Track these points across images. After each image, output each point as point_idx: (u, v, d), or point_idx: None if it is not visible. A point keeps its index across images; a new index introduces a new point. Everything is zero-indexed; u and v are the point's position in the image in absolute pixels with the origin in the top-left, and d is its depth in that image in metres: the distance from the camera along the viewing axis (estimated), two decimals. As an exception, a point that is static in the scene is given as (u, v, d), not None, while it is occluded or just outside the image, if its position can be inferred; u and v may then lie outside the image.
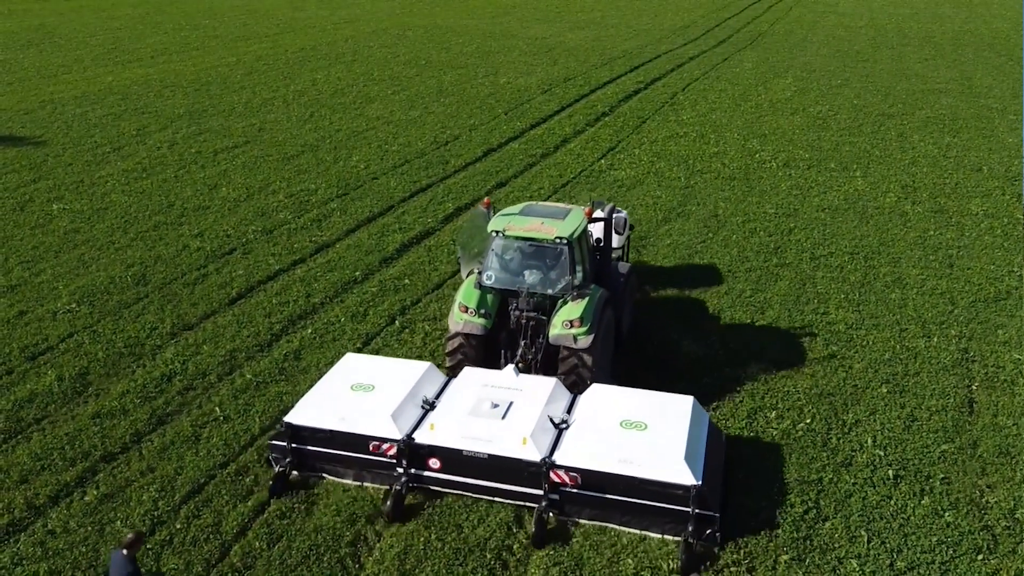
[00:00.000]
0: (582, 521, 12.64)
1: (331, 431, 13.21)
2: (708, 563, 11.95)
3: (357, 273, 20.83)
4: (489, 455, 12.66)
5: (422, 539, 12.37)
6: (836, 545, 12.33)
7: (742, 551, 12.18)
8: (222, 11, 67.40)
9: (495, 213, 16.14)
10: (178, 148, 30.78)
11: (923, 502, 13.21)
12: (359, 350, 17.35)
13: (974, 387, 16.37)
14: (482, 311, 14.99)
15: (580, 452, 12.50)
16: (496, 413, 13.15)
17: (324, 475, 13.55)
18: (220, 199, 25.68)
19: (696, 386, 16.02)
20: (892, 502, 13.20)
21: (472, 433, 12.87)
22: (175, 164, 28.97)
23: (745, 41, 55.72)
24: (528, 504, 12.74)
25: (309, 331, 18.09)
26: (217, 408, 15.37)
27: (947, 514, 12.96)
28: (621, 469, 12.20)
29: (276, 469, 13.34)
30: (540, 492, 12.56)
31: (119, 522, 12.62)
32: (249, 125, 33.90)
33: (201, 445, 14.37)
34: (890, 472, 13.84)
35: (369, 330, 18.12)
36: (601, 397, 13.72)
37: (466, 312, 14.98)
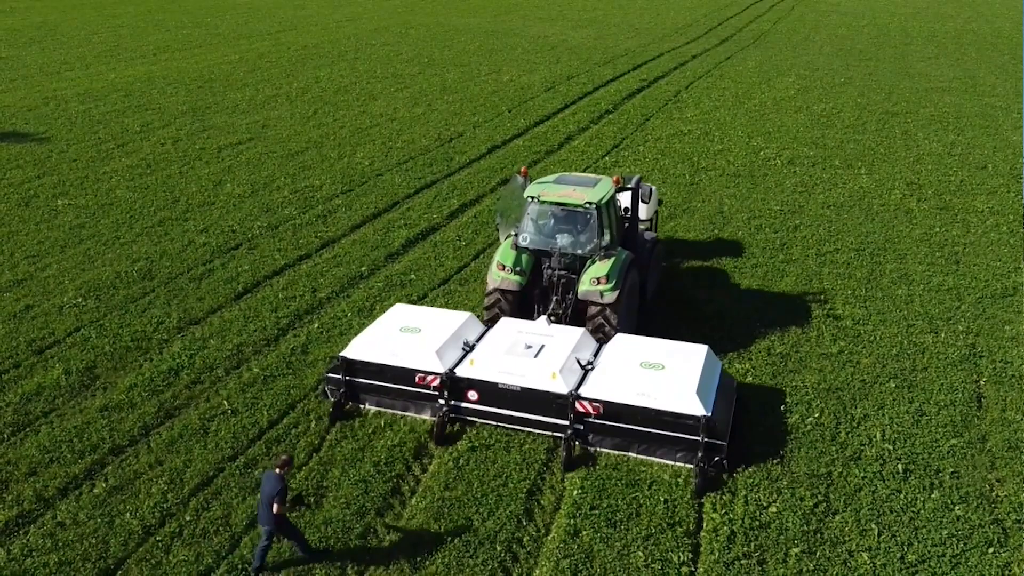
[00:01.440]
0: (605, 451, 13.90)
1: (382, 365, 14.78)
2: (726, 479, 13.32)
3: (363, 268, 20.82)
4: (522, 388, 14.14)
5: (432, 532, 12.36)
6: (846, 538, 12.32)
7: (752, 544, 12.18)
8: (223, 9, 67.36)
9: (531, 182, 17.64)
10: (182, 145, 30.76)
11: (933, 496, 13.20)
12: (366, 344, 17.33)
13: (982, 382, 16.36)
14: (518, 269, 16.57)
15: (603, 386, 13.90)
16: (529, 353, 14.60)
17: (372, 406, 15.04)
18: (225, 195, 25.66)
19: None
20: (902, 496, 13.19)
21: (507, 368, 14.33)
22: (179, 160, 28.96)
23: (747, 40, 55.72)
24: (555, 434, 14.06)
25: (316, 326, 18.08)
26: (225, 402, 15.35)
27: (957, 508, 12.95)
28: (639, 401, 13.58)
29: (331, 400, 14.90)
30: (567, 423, 13.87)
31: (128, 514, 12.59)
32: (253, 122, 33.88)
33: (209, 438, 14.36)
34: (899, 466, 13.83)
35: (376, 325, 18.09)
36: (624, 344, 15.11)
37: (503, 270, 16.57)
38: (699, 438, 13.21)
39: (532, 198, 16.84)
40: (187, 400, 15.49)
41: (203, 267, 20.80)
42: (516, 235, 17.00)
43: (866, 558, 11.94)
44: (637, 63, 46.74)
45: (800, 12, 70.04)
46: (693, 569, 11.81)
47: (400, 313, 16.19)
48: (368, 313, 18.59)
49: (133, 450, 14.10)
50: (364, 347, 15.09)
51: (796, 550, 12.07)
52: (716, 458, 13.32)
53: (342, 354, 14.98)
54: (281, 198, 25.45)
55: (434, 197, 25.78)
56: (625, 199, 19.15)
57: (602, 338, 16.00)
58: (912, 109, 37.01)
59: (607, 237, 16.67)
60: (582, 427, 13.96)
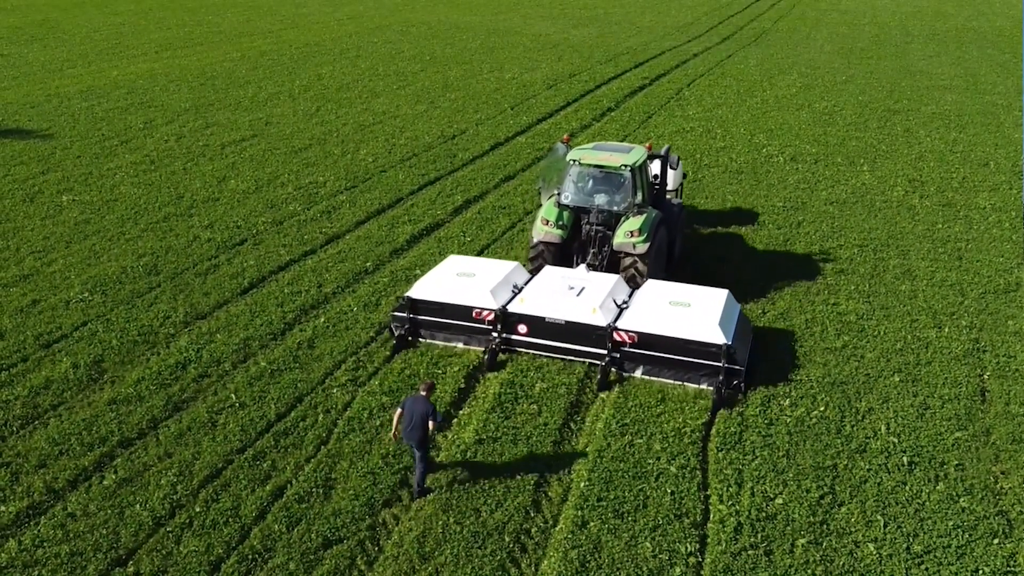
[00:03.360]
0: (636, 375, 15.93)
1: (442, 303, 16.85)
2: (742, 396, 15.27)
3: (368, 264, 20.89)
4: (566, 321, 16.17)
5: (440, 523, 12.43)
6: (852, 529, 12.40)
7: (759, 535, 12.26)
8: (224, 6, 67.41)
9: (571, 149, 19.57)
10: (185, 141, 30.83)
11: (938, 488, 13.28)
12: (372, 340, 17.41)
13: (986, 376, 16.44)
14: (560, 224, 18.58)
15: (637, 318, 16.03)
16: (572, 293, 16.64)
17: (432, 340, 17.15)
18: (229, 191, 25.73)
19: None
20: (907, 488, 13.27)
21: (553, 304, 16.40)
22: (183, 157, 29.02)
23: (749, 38, 55.80)
24: (594, 361, 16.09)
25: (322, 320, 18.14)
26: (233, 395, 15.41)
27: (962, 499, 13.03)
28: (668, 331, 15.63)
29: (397, 333, 16.96)
30: (604, 351, 15.95)
31: (138, 505, 12.66)
32: (256, 119, 33.94)
33: (218, 431, 14.42)
34: (904, 459, 13.91)
35: (382, 319, 18.16)
36: (654, 287, 17.19)
37: (547, 224, 18.59)
38: (720, 364, 15.19)
39: (574, 161, 18.91)
40: (195, 393, 15.55)
41: (208, 262, 20.86)
42: (558, 194, 18.93)
43: (872, 549, 12.02)
44: (639, 61, 46.82)
45: (801, 10, 70.13)
46: (700, 560, 11.89)
47: (455, 262, 18.25)
48: (374, 308, 18.65)
49: (142, 442, 14.16)
50: (426, 288, 17.19)
51: (803, 541, 12.15)
52: (735, 381, 15.34)
53: (407, 294, 17.08)
54: (285, 194, 25.52)
55: (438, 193, 25.84)
56: (655, 167, 20.93)
57: (634, 283, 17.91)
58: (913, 107, 37.09)
59: (639, 196, 18.66)
60: (618, 355, 15.98)
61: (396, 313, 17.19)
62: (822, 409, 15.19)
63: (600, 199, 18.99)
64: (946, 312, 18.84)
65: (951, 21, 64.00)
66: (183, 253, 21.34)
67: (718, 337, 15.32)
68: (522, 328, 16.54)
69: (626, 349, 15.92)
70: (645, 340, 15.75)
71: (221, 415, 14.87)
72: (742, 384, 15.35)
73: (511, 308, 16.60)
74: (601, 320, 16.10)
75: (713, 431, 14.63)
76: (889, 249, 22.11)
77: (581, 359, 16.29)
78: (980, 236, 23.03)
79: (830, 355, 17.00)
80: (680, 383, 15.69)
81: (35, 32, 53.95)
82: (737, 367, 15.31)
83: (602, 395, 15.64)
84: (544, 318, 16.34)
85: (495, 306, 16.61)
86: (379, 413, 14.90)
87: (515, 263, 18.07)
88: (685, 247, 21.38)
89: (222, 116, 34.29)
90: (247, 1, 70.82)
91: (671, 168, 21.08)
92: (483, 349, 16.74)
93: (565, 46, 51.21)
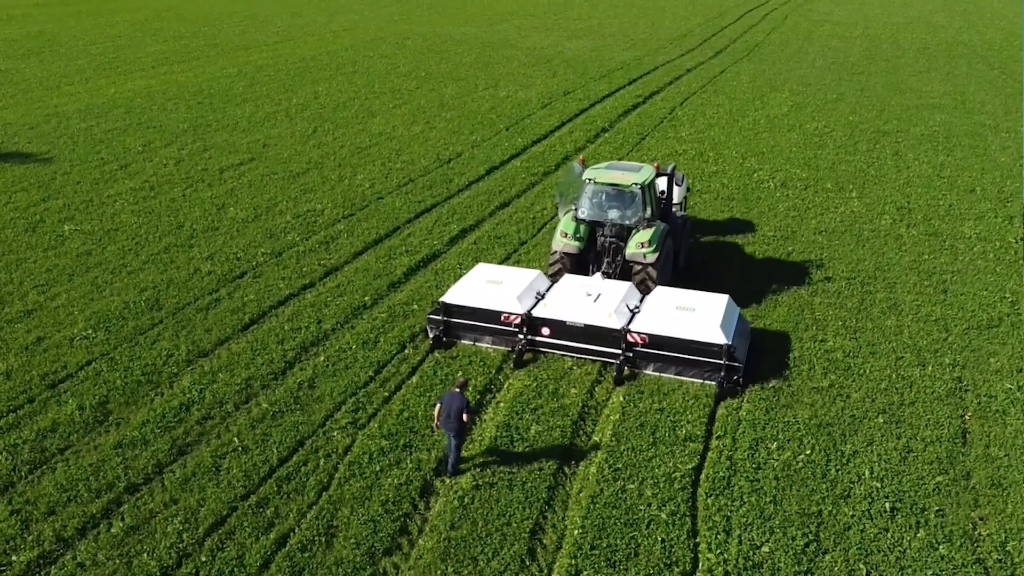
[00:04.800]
0: (648, 373, 17.98)
1: (473, 307, 18.84)
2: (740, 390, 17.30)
3: (366, 298, 21.30)
4: (585, 324, 18.15)
5: (439, 572, 12.86)
6: (836, 578, 12.87)
7: (746, 584, 12.72)
8: (220, 18, 67.69)
9: (585, 168, 21.59)
10: (184, 165, 31.20)
11: (919, 535, 13.76)
12: (370, 380, 17.83)
13: (967, 416, 16.94)
14: (577, 236, 20.68)
15: (647, 322, 18.02)
16: (589, 299, 18.65)
17: (464, 341, 19.13)
18: (228, 220, 26.12)
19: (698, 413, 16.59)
20: (889, 535, 13.75)
21: (572, 309, 18.37)
22: (182, 182, 29.39)
23: (742, 52, 56.29)
24: (610, 360, 18.16)
25: (321, 359, 18.56)
26: (236, 438, 15.83)
27: (941, 547, 13.51)
28: (676, 333, 17.65)
29: (431, 335, 19.00)
30: (619, 351, 17.95)
31: (145, 554, 13.07)
32: (253, 141, 34.32)
33: (222, 476, 14.84)
34: (887, 504, 14.39)
35: (380, 358, 18.58)
36: (663, 294, 19.09)
37: (565, 237, 20.68)
38: (721, 361, 17.20)
39: (589, 180, 20.90)
40: (198, 436, 15.96)
41: (209, 296, 21.26)
42: (575, 210, 20.99)
43: (854, 598, 12.49)
44: (632, 77, 47.29)
45: (794, 21, 70.67)
46: (689, 610, 12.35)
47: (483, 270, 20.22)
48: (372, 346, 19.07)
49: (148, 488, 14.57)
50: (458, 294, 19.16)
51: (788, 590, 12.62)
52: (734, 376, 17.36)
53: (441, 300, 19.05)
54: (284, 223, 25.92)
55: (434, 222, 26.27)
56: (661, 184, 22.83)
57: (645, 290, 19.88)
58: (903, 127, 37.63)
59: (649, 211, 20.65)
60: (631, 354, 17.97)
61: (431, 316, 19.13)
62: (808, 452, 15.67)
63: (613, 214, 20.93)
64: (930, 349, 19.34)
65: (942, 34, 64.58)
66: (184, 287, 21.73)
67: (720, 338, 17.31)
68: (545, 330, 18.52)
69: (638, 349, 17.91)
70: (655, 341, 17.77)
71: (224, 459, 15.27)
72: (740, 379, 17.39)
73: (535, 313, 18.57)
74: (616, 323, 18.03)
75: (703, 476, 15.09)
76: (876, 282, 22.61)
77: (598, 358, 18.35)
78: (965, 268, 23.54)
79: (817, 395, 17.48)
80: (695, 380, 17.73)
81: (31, 45, 54.21)
82: (737, 364, 17.28)
83: (595, 438, 16.10)
84: (565, 321, 18.32)
85: (521, 311, 18.58)
86: (378, 457, 15.33)
87: (537, 271, 20.13)
88: (693, 255, 23.86)
89: (220, 138, 34.65)
90: (243, 11, 71.12)
91: (676, 185, 22.97)
92: (510, 349, 18.77)
93: (559, 60, 51.65)
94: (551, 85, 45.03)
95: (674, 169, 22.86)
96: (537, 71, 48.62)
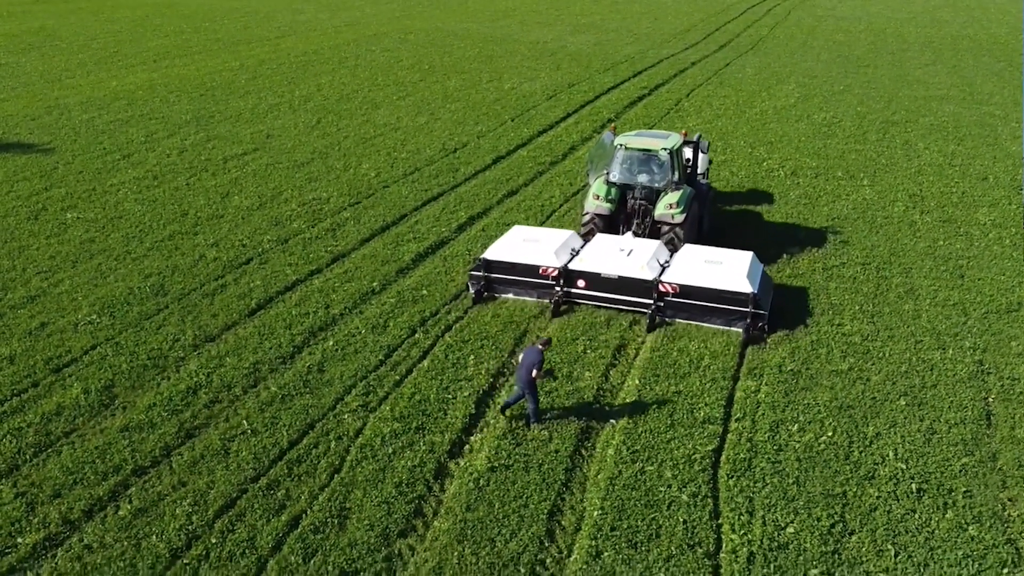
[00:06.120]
0: (678, 321, 18.99)
1: (513, 263, 19.97)
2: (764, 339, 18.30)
3: (374, 284, 20.96)
4: (619, 276, 19.22)
5: (456, 553, 12.53)
6: (864, 559, 12.53)
7: (772, 565, 12.38)
8: (221, 13, 67.39)
9: (616, 135, 23.03)
10: (187, 155, 30.86)
11: (947, 516, 13.42)
12: (381, 363, 17.49)
13: (991, 399, 16.59)
14: (609, 198, 21.82)
15: (678, 273, 19.12)
16: (622, 253, 19.78)
17: (504, 295, 20.24)
18: (233, 208, 25.78)
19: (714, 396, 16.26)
20: (916, 516, 13.41)
21: (607, 262, 19.55)
22: (186, 171, 29.06)
23: (746, 46, 55.99)
24: (642, 310, 19.22)
25: (331, 343, 18.21)
26: (244, 421, 15.48)
27: (971, 528, 13.18)
28: (705, 283, 18.70)
29: (473, 290, 20.14)
30: (651, 301, 18.99)
31: (154, 536, 12.74)
32: (257, 131, 33.99)
33: (231, 459, 14.49)
34: (913, 486, 14.05)
35: (390, 342, 18.24)
36: (691, 250, 20.24)
37: (598, 199, 21.80)
38: (748, 309, 18.24)
39: (620, 145, 22.16)
40: (206, 420, 15.62)
41: (215, 282, 20.92)
42: (607, 174, 22.12)
43: (884, 579, 12.16)
44: (637, 70, 46.96)
45: (797, 17, 70.39)
46: (714, 591, 12.01)
47: (520, 231, 21.47)
48: (382, 330, 18.73)
49: (156, 471, 14.23)
50: (498, 251, 20.37)
51: (815, 571, 12.28)
52: (760, 324, 18.39)
53: (482, 256, 20.19)
54: (289, 211, 25.58)
55: (442, 210, 25.93)
56: (687, 152, 23.67)
57: (673, 248, 20.80)
58: (912, 118, 37.31)
59: (676, 175, 21.88)
60: (663, 304, 18.98)
61: (473, 272, 20.25)
62: (830, 435, 15.33)
63: (643, 177, 22.15)
64: (949, 333, 19.00)
65: (946, 28, 64.28)
66: (189, 273, 21.39)
67: (746, 287, 18.36)
68: (581, 283, 19.61)
69: (669, 299, 18.90)
70: (685, 291, 18.76)
71: (234, 442, 14.93)
72: (765, 327, 18.39)
73: (572, 266, 19.67)
74: (648, 274, 19.07)
75: (723, 457, 14.76)
76: (892, 267, 22.27)
77: (631, 309, 19.35)
78: (981, 253, 23.20)
79: (836, 378, 17.14)
80: (721, 328, 18.72)
81: (32, 40, 53.89)
82: (762, 312, 18.34)
83: (612, 420, 15.75)
84: (600, 274, 19.36)
85: (558, 264, 19.64)
86: (391, 440, 14.99)
87: (571, 231, 21.38)
88: (714, 222, 24.53)
89: (223, 129, 34.32)
90: (244, 7, 70.83)
91: (702, 152, 24.10)
92: (547, 301, 19.85)
93: (563, 54, 51.34)
94: (555, 78, 44.71)
95: (700, 138, 23.95)
96: (541, 64, 48.29)
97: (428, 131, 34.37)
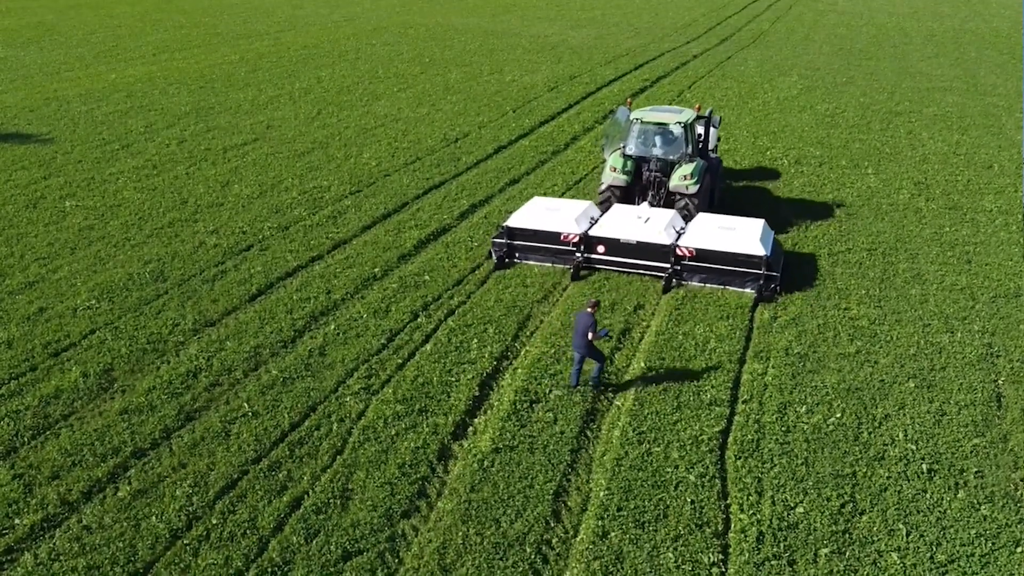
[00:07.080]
0: (693, 284, 19.89)
1: (535, 230, 20.79)
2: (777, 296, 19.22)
3: (376, 269, 20.76)
4: (637, 241, 20.10)
5: (460, 533, 12.32)
6: (875, 538, 12.33)
7: (781, 544, 12.18)
8: (221, 8, 67.21)
9: (632, 110, 23.80)
10: (187, 145, 30.66)
11: (959, 496, 13.22)
12: (383, 347, 17.30)
13: (1000, 381, 16.39)
14: (625, 170, 22.71)
15: (693, 238, 20.00)
16: (640, 220, 20.72)
17: (525, 261, 21.12)
18: (233, 196, 25.57)
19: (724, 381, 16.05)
20: (927, 496, 13.21)
21: (625, 228, 20.42)
22: (185, 161, 28.85)
23: (747, 39, 55.81)
24: (659, 274, 20.04)
25: (332, 327, 18.01)
26: (245, 404, 15.28)
27: (983, 507, 12.97)
28: (719, 247, 19.55)
29: (495, 256, 20.98)
30: (668, 265, 19.82)
31: (154, 517, 12.53)
32: (257, 122, 33.79)
33: (232, 441, 14.29)
34: (923, 466, 13.85)
35: (392, 326, 18.04)
36: (705, 218, 21.16)
37: (615, 171, 22.69)
38: (761, 271, 19.11)
39: (636, 120, 22.96)
40: (207, 403, 15.42)
41: (215, 268, 20.72)
42: (623, 147, 22.96)
43: (896, 558, 11.95)
44: (638, 63, 46.77)
45: (798, 11, 70.20)
46: (724, 570, 11.80)
47: (539, 201, 22.26)
48: (384, 315, 18.53)
49: (155, 453, 14.03)
50: (520, 218, 21.14)
51: (825, 550, 12.08)
52: (772, 285, 19.25)
53: (505, 224, 21.01)
54: (290, 199, 25.38)
55: (443, 198, 25.73)
56: (699, 127, 24.30)
57: (687, 217, 21.71)
58: (915, 108, 37.11)
59: (690, 148, 22.67)
60: (679, 267, 19.78)
61: (496, 240, 21.02)
62: (839, 416, 15.12)
63: (658, 150, 22.94)
64: (958, 316, 18.80)
65: (948, 22, 64.10)
66: (189, 259, 21.19)
67: (759, 250, 19.23)
68: (600, 248, 20.38)
69: (686, 262, 19.65)
70: (701, 255, 19.54)
71: (234, 425, 14.73)
72: (777, 287, 19.29)
73: (592, 232, 20.45)
74: (666, 239, 19.89)
75: (730, 439, 14.55)
76: (898, 253, 22.07)
77: (648, 273, 20.17)
78: (987, 239, 23.00)
79: (844, 361, 16.94)
80: (735, 289, 19.53)
81: (31, 35, 53.69)
82: (774, 273, 19.19)
83: (617, 402, 15.56)
84: (619, 239, 20.18)
85: (578, 230, 20.46)
86: (393, 422, 14.80)
87: (589, 202, 22.14)
88: (723, 196, 25.48)
89: (223, 120, 34.12)
90: (244, 2, 70.64)
91: (713, 127, 24.97)
92: (568, 267, 20.61)
93: (564, 48, 51.14)
94: (557, 70, 44.51)
95: (711, 113, 24.67)
96: (542, 57, 48.09)
97: (429, 121, 34.17)
